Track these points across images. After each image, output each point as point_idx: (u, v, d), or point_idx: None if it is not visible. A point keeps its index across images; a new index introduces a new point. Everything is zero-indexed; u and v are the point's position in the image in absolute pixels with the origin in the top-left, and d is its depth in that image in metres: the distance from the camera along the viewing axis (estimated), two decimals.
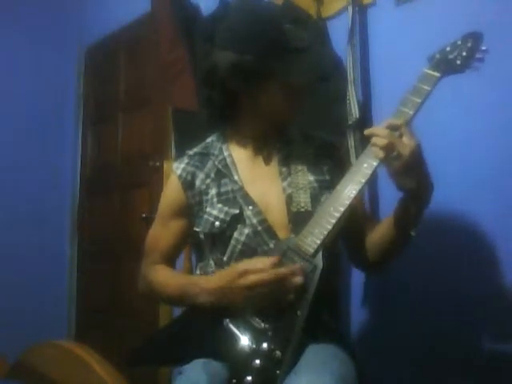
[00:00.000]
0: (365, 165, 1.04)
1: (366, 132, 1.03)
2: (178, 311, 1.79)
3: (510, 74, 1.37)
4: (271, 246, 1.12)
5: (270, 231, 1.14)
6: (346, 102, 1.62)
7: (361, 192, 1.06)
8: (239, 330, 1.04)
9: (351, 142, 1.62)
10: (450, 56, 1.08)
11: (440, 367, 1.46)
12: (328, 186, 1.19)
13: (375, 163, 1.03)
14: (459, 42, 1.09)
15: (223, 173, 1.20)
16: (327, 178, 1.21)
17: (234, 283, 1.03)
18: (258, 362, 1.00)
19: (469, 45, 1.07)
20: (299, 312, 1.02)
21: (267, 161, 1.23)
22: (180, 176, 1.23)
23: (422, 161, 1.01)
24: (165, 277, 1.22)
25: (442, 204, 1.43)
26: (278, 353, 1.00)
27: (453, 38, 1.47)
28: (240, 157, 1.23)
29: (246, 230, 1.14)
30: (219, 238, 1.16)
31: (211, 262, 1.20)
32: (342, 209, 1.04)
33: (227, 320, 1.06)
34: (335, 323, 1.18)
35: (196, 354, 1.05)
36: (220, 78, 1.14)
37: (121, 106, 2.91)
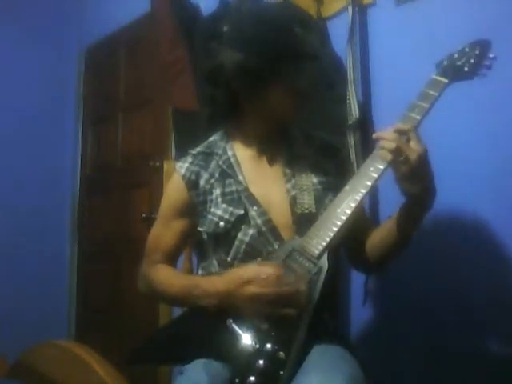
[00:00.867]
0: (371, 168, 1.04)
1: (375, 135, 1.04)
2: (177, 311, 1.79)
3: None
4: (275, 246, 1.12)
5: (274, 232, 1.13)
6: (345, 102, 1.62)
7: (367, 195, 1.06)
8: (242, 330, 1.03)
9: (351, 142, 1.61)
10: (458, 63, 1.09)
11: (440, 367, 1.46)
12: (331, 187, 1.19)
13: (382, 167, 1.03)
14: (467, 49, 1.10)
15: (227, 173, 1.20)
16: (330, 179, 1.21)
17: (238, 291, 1.03)
18: (261, 362, 0.99)
19: (477, 52, 1.08)
20: (303, 313, 1.01)
21: (271, 161, 1.23)
22: (184, 176, 1.22)
23: (428, 166, 1.02)
24: (167, 277, 1.21)
25: (442, 203, 1.44)
26: (282, 353, 1.00)
27: (452, 38, 1.48)
28: (244, 157, 1.23)
29: (251, 231, 1.13)
30: (223, 239, 1.16)
31: (214, 262, 1.19)
32: (349, 211, 1.04)
33: (230, 320, 1.05)
34: (335, 323, 1.18)
35: (198, 354, 1.05)
36: (225, 77, 1.14)
37: (121, 105, 2.91)
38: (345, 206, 1.05)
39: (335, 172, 1.24)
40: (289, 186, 1.18)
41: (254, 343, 1.01)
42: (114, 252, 2.82)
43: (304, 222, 1.13)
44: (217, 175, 1.21)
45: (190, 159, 1.25)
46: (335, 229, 1.04)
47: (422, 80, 1.51)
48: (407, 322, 1.55)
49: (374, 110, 1.67)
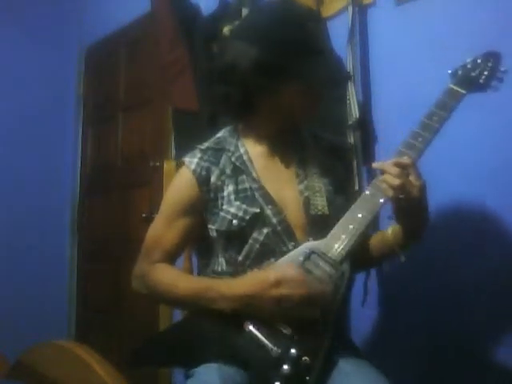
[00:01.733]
0: None
1: (375, 165, 1.06)
2: (178, 311, 1.79)
3: None
4: (289, 247, 1.10)
5: (289, 232, 1.12)
6: (346, 101, 1.62)
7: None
8: (263, 334, 1.01)
9: (351, 142, 1.62)
10: (473, 74, 1.11)
11: (441, 367, 1.46)
12: (341, 189, 1.19)
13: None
14: (479, 61, 1.12)
15: (241, 169, 1.17)
16: (339, 181, 1.20)
17: (265, 293, 0.99)
18: (286, 367, 0.97)
19: (489, 64, 1.10)
20: (328, 318, 1.01)
21: (283, 161, 1.20)
22: (194, 171, 1.17)
23: (425, 200, 1.03)
24: (173, 277, 1.16)
25: (443, 202, 1.44)
26: (307, 358, 0.98)
27: (452, 38, 1.49)
28: (256, 154, 1.19)
29: (266, 230, 1.11)
30: (236, 237, 1.12)
31: (221, 260, 1.16)
32: (371, 216, 1.04)
33: (248, 323, 1.02)
34: (347, 329, 1.19)
35: (210, 357, 1.02)
36: (241, 74, 1.10)
37: (121, 106, 2.91)
38: (367, 211, 1.04)
39: (343, 173, 1.23)
40: (301, 187, 1.17)
41: (276, 348, 0.99)
42: (113, 252, 2.82)
43: (318, 223, 1.12)
44: (228, 171, 1.17)
45: (199, 154, 1.20)
46: (358, 233, 1.03)
47: (422, 80, 1.52)
48: (407, 322, 1.55)
49: (374, 110, 1.67)
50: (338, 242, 1.03)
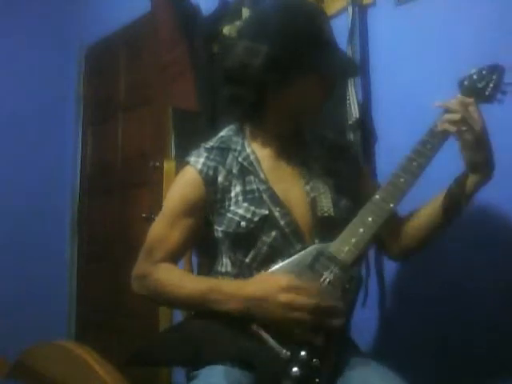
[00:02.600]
0: (401, 180, 1.06)
1: (437, 104, 1.08)
2: (178, 312, 1.79)
3: None
4: (297, 249, 1.08)
5: (297, 234, 1.10)
6: (346, 101, 1.62)
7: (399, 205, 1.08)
8: (271, 336, 0.99)
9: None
10: (479, 85, 1.13)
11: (441, 367, 1.46)
12: (345, 190, 1.18)
13: (412, 179, 1.06)
14: (484, 72, 1.13)
15: (248, 170, 1.15)
16: (343, 181, 1.19)
17: (274, 297, 0.98)
18: (295, 369, 0.96)
19: (494, 77, 1.12)
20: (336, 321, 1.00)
21: (290, 162, 1.19)
22: (201, 171, 1.15)
23: (488, 137, 1.06)
24: (179, 277, 1.13)
25: None
26: (316, 361, 0.97)
27: (452, 38, 1.49)
28: (263, 155, 1.18)
29: (273, 232, 1.09)
30: (243, 239, 1.10)
31: (226, 261, 1.15)
32: (381, 221, 1.04)
33: (255, 325, 1.01)
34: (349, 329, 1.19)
35: (217, 358, 1.01)
36: (253, 72, 1.08)
37: (121, 106, 2.91)
38: (376, 217, 1.04)
39: (346, 173, 1.22)
40: (308, 188, 1.15)
41: (285, 350, 0.98)
42: (114, 252, 2.82)
43: (324, 225, 1.11)
44: (235, 171, 1.15)
45: (205, 154, 1.17)
46: (368, 238, 1.03)
47: (422, 80, 1.52)
48: (407, 322, 1.55)
49: (374, 110, 1.67)
50: (347, 246, 1.03)
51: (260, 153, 1.18)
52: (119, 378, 1.03)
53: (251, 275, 1.09)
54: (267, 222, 1.10)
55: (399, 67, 1.61)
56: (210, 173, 1.15)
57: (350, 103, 1.62)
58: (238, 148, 1.18)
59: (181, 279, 1.12)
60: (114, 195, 2.89)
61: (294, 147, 1.20)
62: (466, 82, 1.14)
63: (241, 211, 1.11)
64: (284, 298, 0.97)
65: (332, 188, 1.16)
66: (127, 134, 2.85)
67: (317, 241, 1.09)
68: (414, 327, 1.53)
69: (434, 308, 1.48)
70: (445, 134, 1.07)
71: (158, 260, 1.16)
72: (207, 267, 1.23)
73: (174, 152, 2.36)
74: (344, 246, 1.03)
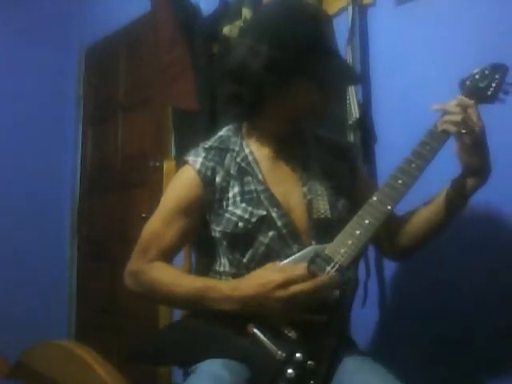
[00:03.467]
0: (399, 181, 1.06)
1: (436, 106, 1.08)
2: (177, 311, 1.79)
3: None
4: (294, 250, 1.09)
5: (294, 235, 1.11)
6: (346, 101, 1.62)
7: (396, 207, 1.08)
8: (267, 338, 1.00)
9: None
10: (481, 85, 1.12)
11: (442, 367, 1.46)
12: (343, 191, 1.18)
13: (411, 181, 1.05)
14: (487, 72, 1.12)
15: (246, 171, 1.15)
16: (341, 182, 1.19)
17: (272, 294, 0.98)
18: (290, 371, 0.96)
19: (497, 76, 1.11)
20: (332, 322, 1.00)
21: (288, 163, 1.19)
22: (199, 171, 1.15)
23: (486, 141, 1.06)
24: (174, 276, 1.13)
25: None
26: (312, 363, 0.98)
27: (452, 38, 1.49)
28: (261, 155, 1.18)
29: (271, 233, 1.10)
30: (241, 239, 1.11)
31: (224, 261, 1.16)
32: (378, 223, 1.04)
33: (252, 326, 1.02)
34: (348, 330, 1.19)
35: (214, 356, 1.01)
36: (253, 73, 1.08)
37: (121, 105, 2.90)
38: (373, 219, 1.04)
39: (346, 174, 1.22)
40: (305, 189, 1.15)
41: (281, 351, 0.98)
42: (113, 252, 2.81)
43: (321, 227, 1.11)
44: (233, 172, 1.15)
45: (203, 154, 1.18)
46: (365, 240, 1.03)
47: (422, 80, 1.52)
48: (407, 322, 1.55)
49: (374, 110, 1.67)
50: (344, 247, 1.03)
51: (258, 153, 1.18)
52: (119, 378, 1.03)
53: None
54: (265, 222, 1.10)
55: (399, 67, 1.61)
56: (209, 173, 1.15)
57: (350, 103, 1.62)
58: (237, 148, 1.19)
59: (176, 278, 1.12)
60: (113, 195, 2.89)
61: (292, 148, 1.20)
62: (468, 82, 1.13)
63: (238, 212, 1.11)
64: (282, 293, 0.98)
65: (330, 189, 1.16)
66: (127, 134, 2.85)
67: (314, 242, 1.09)
68: (414, 327, 1.53)
69: (433, 308, 1.49)
70: (444, 136, 1.06)
71: (151, 258, 1.16)
72: (205, 267, 1.23)
73: (173, 152, 2.36)
74: (341, 247, 1.03)
